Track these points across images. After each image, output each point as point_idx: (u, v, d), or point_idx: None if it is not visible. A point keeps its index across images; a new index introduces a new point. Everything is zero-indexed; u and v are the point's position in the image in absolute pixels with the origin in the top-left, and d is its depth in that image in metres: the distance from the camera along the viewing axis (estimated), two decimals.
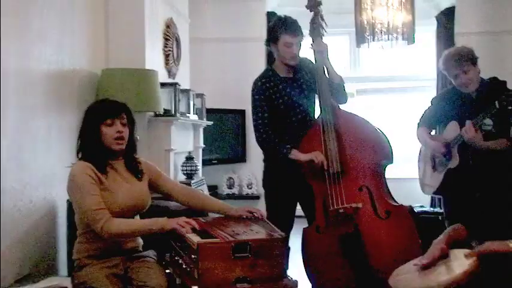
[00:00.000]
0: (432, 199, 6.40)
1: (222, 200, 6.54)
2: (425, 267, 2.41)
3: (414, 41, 4.84)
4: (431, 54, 7.33)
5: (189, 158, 5.28)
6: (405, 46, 4.96)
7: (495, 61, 6.80)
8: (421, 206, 6.22)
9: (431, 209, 5.69)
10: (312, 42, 3.58)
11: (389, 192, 3.43)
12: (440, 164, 3.64)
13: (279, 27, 3.47)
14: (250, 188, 7.12)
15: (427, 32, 7.39)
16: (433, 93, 6.73)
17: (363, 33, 4.78)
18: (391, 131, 6.72)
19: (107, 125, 2.73)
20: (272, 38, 3.51)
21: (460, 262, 2.32)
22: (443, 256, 2.45)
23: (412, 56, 7.42)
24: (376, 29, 4.72)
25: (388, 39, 4.73)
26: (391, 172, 6.16)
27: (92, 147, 2.74)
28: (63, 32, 3.88)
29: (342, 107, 3.61)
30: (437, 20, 7.26)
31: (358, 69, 7.87)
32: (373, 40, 4.76)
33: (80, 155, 2.79)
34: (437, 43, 7.21)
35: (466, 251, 2.37)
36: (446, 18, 7.16)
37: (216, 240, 2.44)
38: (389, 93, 7.88)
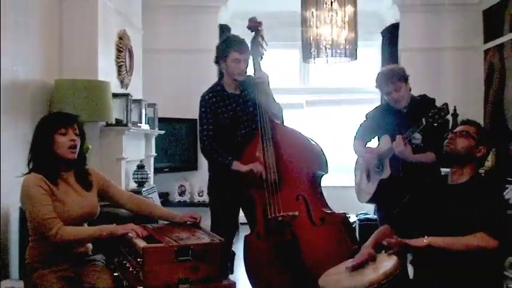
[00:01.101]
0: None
1: (173, 207, 6.70)
2: (354, 269, 2.66)
3: (357, 58, 5.10)
4: (376, 68, 7.62)
5: (140, 167, 5.41)
6: (349, 62, 5.24)
7: (435, 75, 7.16)
8: (365, 214, 6.50)
9: (375, 216, 5.91)
10: (253, 73, 3.79)
11: (324, 201, 3.64)
12: (374, 174, 3.86)
13: (229, 45, 3.70)
14: (201, 196, 7.16)
15: (373, 47, 7.69)
16: (377, 105, 6.99)
17: (308, 49, 5.03)
18: (338, 141, 7.03)
19: (60, 134, 2.84)
20: (221, 55, 3.72)
21: (384, 264, 2.58)
22: (373, 259, 2.71)
23: (358, 69, 7.62)
24: (321, 46, 4.96)
25: (332, 55, 4.99)
26: (341, 181, 6.37)
27: (44, 158, 2.85)
28: (16, 42, 3.98)
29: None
30: (382, 36, 7.52)
31: (308, 81, 8.13)
32: (318, 56, 5.01)
33: (31, 166, 2.90)
34: (382, 57, 7.47)
35: (390, 253, 2.64)
36: (391, 34, 7.39)
37: (161, 244, 2.62)
38: (337, 105, 8.14)
